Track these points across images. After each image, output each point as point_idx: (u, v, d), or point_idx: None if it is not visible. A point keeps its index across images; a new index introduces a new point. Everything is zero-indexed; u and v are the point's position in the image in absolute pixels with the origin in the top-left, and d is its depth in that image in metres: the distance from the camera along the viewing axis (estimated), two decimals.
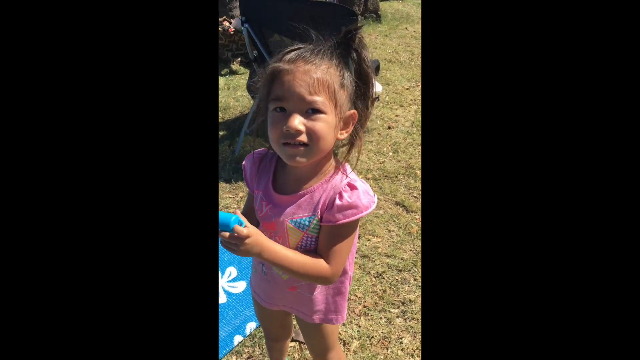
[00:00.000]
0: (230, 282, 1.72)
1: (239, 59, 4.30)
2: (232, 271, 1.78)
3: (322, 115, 0.70)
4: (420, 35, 6.14)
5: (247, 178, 0.86)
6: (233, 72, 4.17)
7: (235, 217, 0.69)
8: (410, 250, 1.92)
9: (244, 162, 0.88)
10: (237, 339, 1.47)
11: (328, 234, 0.77)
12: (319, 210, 0.77)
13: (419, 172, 2.52)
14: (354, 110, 0.75)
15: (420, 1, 9.20)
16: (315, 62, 0.70)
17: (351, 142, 0.78)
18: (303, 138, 0.71)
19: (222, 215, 0.68)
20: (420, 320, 1.56)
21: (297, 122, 0.70)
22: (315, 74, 0.69)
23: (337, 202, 0.75)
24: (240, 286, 1.70)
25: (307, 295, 0.88)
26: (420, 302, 1.64)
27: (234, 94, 3.72)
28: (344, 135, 0.76)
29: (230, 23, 4.13)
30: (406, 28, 6.51)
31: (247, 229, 0.70)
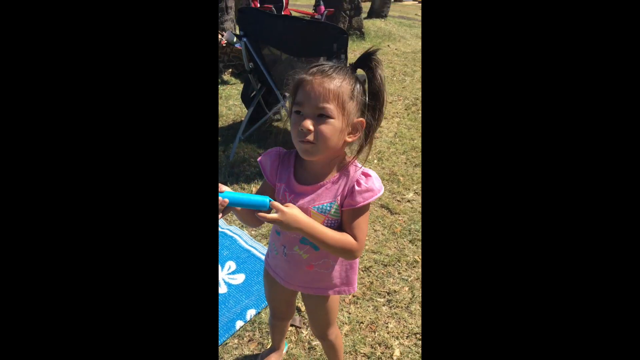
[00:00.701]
0: (230, 275, 1.85)
1: (230, 70, 4.46)
2: (231, 265, 1.91)
3: (329, 120, 0.86)
4: (401, 52, 6.46)
5: (267, 172, 1.01)
6: (225, 82, 4.33)
7: (267, 198, 0.85)
8: (394, 247, 2.11)
9: (260, 159, 1.03)
10: (239, 324, 1.60)
11: (351, 215, 0.93)
12: (339, 197, 0.93)
13: (401, 179, 2.74)
14: (362, 119, 0.89)
15: (400, 20, 9.61)
16: (332, 76, 0.86)
17: (361, 145, 0.94)
18: (311, 137, 0.87)
19: (254, 197, 0.84)
20: (404, 308, 1.74)
21: (309, 123, 0.86)
22: (329, 86, 0.85)
23: (357, 188, 0.91)
24: (239, 278, 1.84)
25: (323, 272, 1.03)
26: (403, 292, 1.82)
27: (226, 102, 3.87)
28: (352, 138, 0.92)
29: (222, 36, 4.29)
30: (388, 45, 6.83)
31: (283, 205, 0.86)
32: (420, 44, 7.26)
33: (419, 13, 12.28)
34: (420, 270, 1.96)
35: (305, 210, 0.94)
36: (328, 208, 0.94)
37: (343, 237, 0.91)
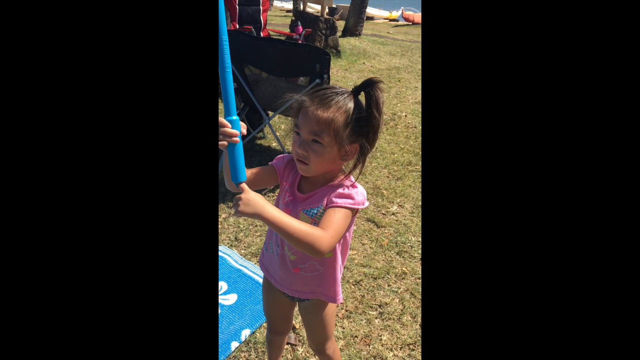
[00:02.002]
0: (222, 295, 1.84)
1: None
2: (222, 285, 1.90)
3: (321, 147, 0.92)
4: (376, 69, 6.66)
5: (281, 168, 1.07)
6: None
7: (244, 178, 0.84)
8: (383, 260, 2.16)
9: (273, 162, 1.09)
10: (234, 345, 1.59)
11: (327, 212, 0.95)
12: (325, 202, 0.98)
13: (385, 192, 2.81)
14: (356, 144, 0.93)
15: (373, 38, 9.91)
16: (328, 105, 0.91)
17: (355, 163, 0.99)
18: (305, 159, 0.94)
19: (240, 166, 0.85)
20: (396, 319, 1.77)
21: (302, 149, 0.93)
22: (324, 115, 0.91)
23: (339, 191, 0.96)
24: (232, 298, 1.83)
25: (309, 275, 1.07)
26: (394, 304, 1.86)
27: None
28: (346, 161, 0.98)
29: None
30: (364, 63, 7.02)
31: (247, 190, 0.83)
32: (393, 61, 7.51)
33: (391, 31, 12.71)
34: (408, 281, 2.00)
35: (295, 213, 1.00)
36: (315, 211, 0.99)
37: (308, 228, 0.86)
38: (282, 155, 1.10)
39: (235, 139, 0.83)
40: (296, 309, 1.41)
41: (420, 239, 2.35)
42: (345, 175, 1.01)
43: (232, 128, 0.83)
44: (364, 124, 0.93)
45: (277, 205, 1.07)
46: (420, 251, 2.25)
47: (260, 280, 1.92)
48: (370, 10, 14.66)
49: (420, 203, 2.74)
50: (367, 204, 0.99)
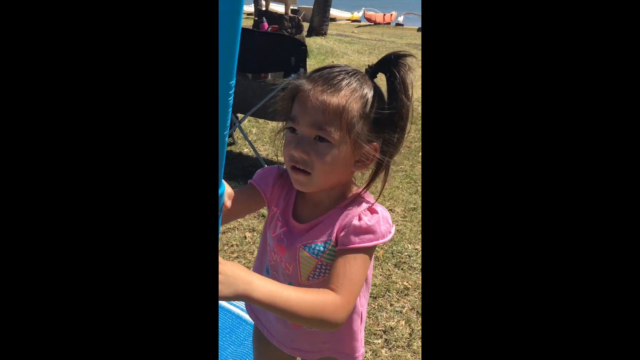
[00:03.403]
0: None
1: None
2: None
3: (329, 146, 0.64)
4: None
5: (266, 189, 0.76)
6: None
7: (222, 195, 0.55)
8: (380, 275, 1.90)
9: (254, 180, 0.78)
10: None
11: (341, 258, 0.67)
12: (334, 234, 0.70)
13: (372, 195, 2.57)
14: (375, 143, 0.67)
15: (339, 37, 9.80)
16: (338, 86, 0.64)
17: (373, 173, 0.71)
18: (306, 166, 0.65)
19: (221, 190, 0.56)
20: (405, 347, 1.52)
21: (300, 150, 0.65)
22: (331, 100, 0.63)
23: (355, 222, 0.68)
24: None
25: (314, 331, 0.78)
26: (400, 327, 1.61)
27: None
28: (361, 168, 0.70)
29: None
30: (332, 61, 6.84)
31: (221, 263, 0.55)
32: (362, 59, 7.36)
33: (355, 31, 12.69)
34: (412, 297, 1.77)
35: (292, 251, 0.72)
36: (322, 249, 0.71)
37: (313, 297, 0.61)
38: (265, 168, 0.80)
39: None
40: None
41: (417, 247, 2.13)
42: (360, 191, 0.73)
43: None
44: (387, 115, 0.66)
45: (264, 238, 0.77)
46: (420, 261, 2.02)
47: (245, 317, 1.61)
48: (332, 12, 14.65)
49: (411, 206, 2.52)
50: (392, 232, 0.71)
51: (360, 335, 0.82)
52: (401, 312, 1.69)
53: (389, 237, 0.69)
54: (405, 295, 1.79)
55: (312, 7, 9.52)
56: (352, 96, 0.65)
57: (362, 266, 0.68)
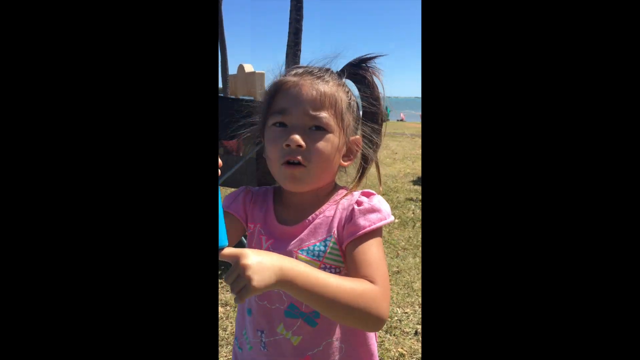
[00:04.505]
0: None
1: None
2: None
3: (326, 134, 0.62)
4: None
5: (239, 210, 0.71)
6: None
7: (225, 240, 0.51)
8: None
9: (224, 206, 0.72)
10: None
11: (357, 250, 0.61)
12: (335, 230, 0.64)
13: None
14: (358, 136, 0.69)
15: None
16: (324, 78, 0.65)
17: (362, 170, 0.70)
18: (302, 158, 0.61)
19: (222, 232, 0.53)
20: None
21: (299, 137, 0.61)
22: (323, 88, 0.63)
23: (357, 208, 0.63)
24: None
25: None
26: None
27: None
28: (348, 162, 0.69)
29: None
30: None
31: (238, 250, 0.51)
32: None
33: None
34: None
35: (289, 256, 0.64)
36: (322, 248, 0.64)
37: (354, 283, 0.56)
38: (231, 192, 0.75)
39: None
40: None
41: (406, 310, 2.00)
42: (348, 190, 0.69)
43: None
44: (366, 109, 0.69)
45: None
46: (412, 325, 1.88)
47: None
48: None
49: (394, 270, 2.43)
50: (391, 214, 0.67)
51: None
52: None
53: (392, 218, 0.65)
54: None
55: None
56: (340, 88, 0.66)
57: (381, 250, 0.63)
